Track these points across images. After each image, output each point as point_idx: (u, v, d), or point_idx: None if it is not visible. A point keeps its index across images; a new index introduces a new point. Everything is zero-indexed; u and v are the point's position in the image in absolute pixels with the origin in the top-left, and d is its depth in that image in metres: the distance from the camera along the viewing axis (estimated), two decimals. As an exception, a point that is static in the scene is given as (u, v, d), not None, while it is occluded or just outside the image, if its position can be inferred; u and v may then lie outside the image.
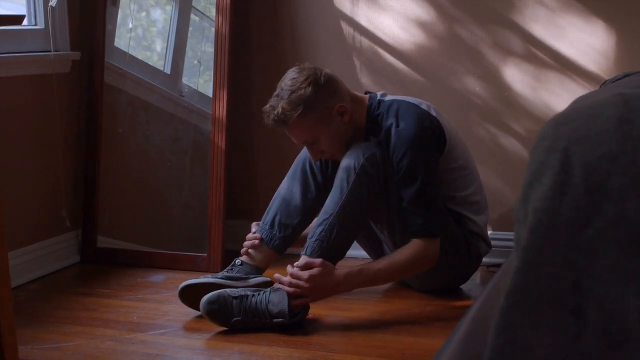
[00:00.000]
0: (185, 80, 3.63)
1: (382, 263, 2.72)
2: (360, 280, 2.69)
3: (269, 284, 2.76)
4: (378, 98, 2.83)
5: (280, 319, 2.57)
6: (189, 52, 3.63)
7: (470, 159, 2.93)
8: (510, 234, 3.19)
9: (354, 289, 2.72)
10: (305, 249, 2.65)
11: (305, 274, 2.59)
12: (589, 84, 3.11)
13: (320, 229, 2.65)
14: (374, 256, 3.05)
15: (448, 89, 3.30)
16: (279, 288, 2.60)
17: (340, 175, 2.70)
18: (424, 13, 3.28)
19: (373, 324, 2.67)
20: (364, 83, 3.37)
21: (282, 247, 2.92)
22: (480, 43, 3.24)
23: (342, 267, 2.68)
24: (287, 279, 2.61)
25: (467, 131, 3.20)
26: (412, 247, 2.69)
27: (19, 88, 3.17)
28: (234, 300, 2.59)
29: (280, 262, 3.02)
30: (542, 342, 1.14)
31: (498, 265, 3.18)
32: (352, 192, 2.65)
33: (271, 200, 2.97)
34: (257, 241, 2.87)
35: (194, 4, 3.58)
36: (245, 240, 2.93)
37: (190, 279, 2.79)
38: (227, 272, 2.83)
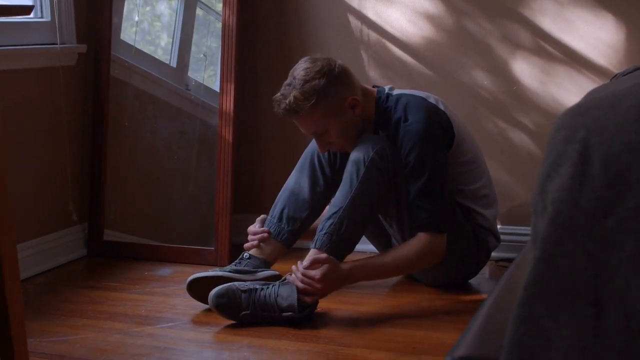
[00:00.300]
0: (190, 74, 3.62)
1: (387, 257, 2.71)
2: (364, 274, 2.69)
3: (277, 277, 2.75)
4: (386, 92, 2.82)
5: (290, 313, 2.56)
6: (193, 47, 3.62)
7: (479, 153, 2.91)
8: (519, 228, 3.19)
9: (358, 282, 2.71)
10: (314, 242, 2.64)
11: (318, 273, 2.57)
12: (598, 77, 3.09)
13: (329, 222, 2.64)
14: (383, 250, 3.03)
15: (456, 83, 3.29)
16: (288, 282, 2.59)
17: (349, 168, 2.69)
18: (432, 6, 3.27)
19: (382, 317, 2.66)
20: (371, 77, 3.36)
21: (290, 240, 2.91)
22: (489, 36, 3.23)
23: (347, 262, 2.67)
24: (299, 276, 2.59)
25: (476, 125, 3.19)
26: (417, 241, 2.68)
27: (25, 81, 3.16)
28: (243, 294, 2.58)
29: (288, 256, 3.01)
30: (562, 334, 1.13)
31: (507, 260, 3.18)
32: (361, 185, 2.64)
33: (279, 194, 2.96)
34: (266, 234, 2.86)
35: (200, -3, 3.57)
36: (247, 234, 2.92)
37: (198, 272, 2.78)
38: (236, 265, 2.82)
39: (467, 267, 2.91)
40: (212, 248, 3.32)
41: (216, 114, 3.38)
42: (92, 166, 3.50)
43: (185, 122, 3.56)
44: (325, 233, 2.63)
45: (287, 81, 2.71)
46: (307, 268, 2.58)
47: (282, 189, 2.96)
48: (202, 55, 3.59)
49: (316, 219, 2.94)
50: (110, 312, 2.76)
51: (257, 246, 2.87)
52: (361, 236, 2.76)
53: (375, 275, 2.74)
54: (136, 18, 3.60)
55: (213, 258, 3.30)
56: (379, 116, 2.78)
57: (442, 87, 3.26)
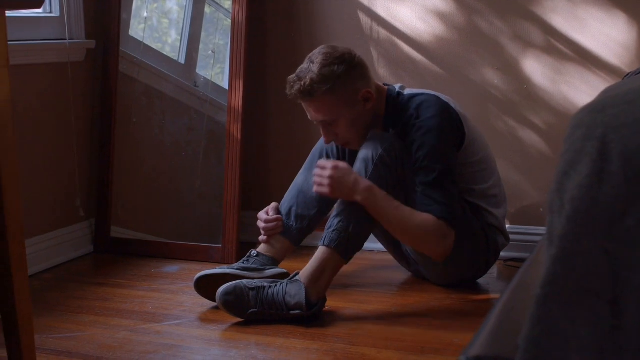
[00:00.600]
0: (198, 71, 3.61)
1: (401, 208, 2.62)
2: (372, 200, 2.60)
3: (285, 275, 2.74)
4: (397, 90, 2.80)
5: (298, 311, 2.55)
6: (200, 44, 3.61)
7: (490, 153, 2.90)
8: (528, 228, 3.18)
9: (364, 204, 2.61)
10: (322, 239, 2.62)
11: (330, 162, 2.62)
12: (609, 76, 3.07)
13: (338, 219, 2.62)
14: (391, 248, 3.03)
15: (467, 81, 3.27)
16: (297, 280, 2.58)
17: (358, 165, 2.67)
18: (443, 4, 3.25)
19: (391, 316, 2.64)
20: (381, 74, 3.34)
21: (298, 238, 2.90)
22: (500, 35, 3.21)
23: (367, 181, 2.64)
24: (316, 171, 2.66)
25: (486, 124, 3.18)
26: (433, 220, 2.62)
27: (34, 76, 3.15)
28: (251, 292, 2.56)
29: (296, 254, 3.00)
30: (579, 333, 1.11)
31: (516, 260, 3.16)
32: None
33: (287, 192, 2.95)
34: (280, 222, 2.85)
35: (208, -6, 3.56)
36: (256, 229, 2.90)
37: (206, 269, 2.77)
38: (243, 263, 2.81)
39: (477, 266, 2.89)
40: (220, 245, 3.31)
41: (224, 111, 3.37)
42: (99, 162, 3.49)
43: (193, 119, 3.55)
44: (333, 230, 2.61)
45: (304, 65, 2.70)
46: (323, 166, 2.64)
47: (291, 186, 2.95)
48: (210, 52, 3.58)
49: (324, 216, 2.93)
50: (117, 309, 2.75)
51: (273, 235, 2.86)
52: (370, 233, 2.74)
53: (378, 211, 2.62)
54: (145, 14, 3.59)
55: (220, 255, 3.29)
56: (389, 113, 2.76)
57: (452, 85, 3.24)
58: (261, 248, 2.87)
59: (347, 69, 2.67)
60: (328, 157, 2.89)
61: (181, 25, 3.61)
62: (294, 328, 2.52)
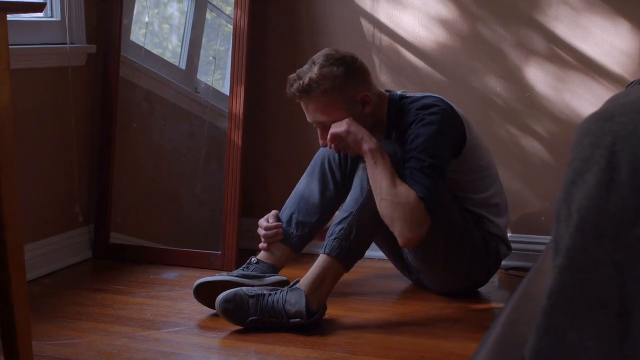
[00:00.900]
0: (199, 76, 3.59)
1: (393, 175, 2.57)
2: (380, 154, 2.59)
3: (285, 283, 2.72)
4: (400, 94, 2.79)
5: (298, 319, 2.53)
6: (202, 50, 3.60)
7: (492, 160, 2.88)
8: (530, 237, 3.16)
9: (368, 155, 2.60)
10: (323, 247, 2.61)
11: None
12: (612, 85, 3.06)
13: (339, 227, 2.60)
14: (392, 256, 3.01)
15: (469, 89, 3.25)
16: (297, 287, 2.56)
17: (360, 174, 2.66)
18: (446, 11, 3.24)
19: (391, 325, 2.63)
20: (383, 81, 3.33)
21: (298, 245, 2.88)
22: (503, 42, 3.20)
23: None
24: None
25: (488, 131, 3.16)
26: (410, 191, 2.54)
27: (34, 80, 3.14)
28: (250, 299, 2.55)
29: (296, 261, 2.99)
30: (586, 345, 1.10)
31: (517, 269, 3.15)
32: (372, 191, 2.60)
33: (288, 198, 2.93)
34: (280, 229, 2.83)
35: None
36: (256, 236, 2.88)
37: (205, 276, 2.76)
38: (243, 270, 2.79)
39: (478, 274, 2.87)
40: (219, 252, 3.29)
41: (224, 117, 3.36)
42: (99, 167, 3.47)
43: (194, 125, 3.54)
44: (335, 238, 2.59)
45: (306, 65, 2.71)
46: None
47: (292, 193, 2.93)
48: (211, 58, 3.57)
49: (325, 224, 2.91)
50: (116, 315, 2.73)
51: (273, 243, 2.84)
52: (371, 242, 2.73)
53: (375, 168, 2.58)
54: (146, 19, 3.58)
55: (220, 262, 3.27)
56: (392, 116, 2.75)
57: (454, 92, 3.23)
58: (261, 255, 2.85)
59: (346, 71, 2.66)
60: (330, 164, 2.87)
61: (182, 30, 3.59)
62: (293, 336, 2.50)
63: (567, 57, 3.12)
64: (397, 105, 2.75)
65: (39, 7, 2.04)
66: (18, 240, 1.99)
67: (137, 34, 3.56)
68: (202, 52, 3.58)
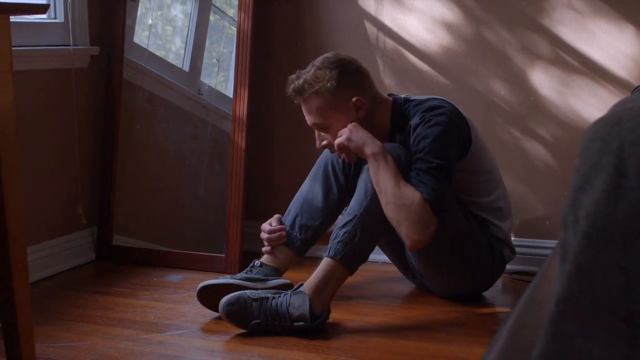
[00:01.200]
0: (202, 78, 3.59)
1: (397, 177, 2.55)
2: (384, 157, 2.57)
3: (288, 286, 2.71)
4: (404, 97, 2.78)
5: (301, 323, 2.52)
6: (205, 52, 3.59)
7: (496, 164, 2.88)
8: (533, 241, 3.15)
9: (371, 159, 2.60)
10: (327, 250, 2.60)
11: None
12: (617, 89, 3.05)
13: (343, 230, 2.60)
14: (396, 260, 3.00)
15: (473, 92, 3.25)
16: (300, 291, 2.55)
17: (364, 176, 2.65)
18: (450, 14, 3.23)
19: (395, 329, 2.62)
20: (387, 84, 3.32)
21: (302, 249, 2.87)
22: (507, 46, 3.19)
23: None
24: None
25: (492, 135, 3.15)
26: (416, 193, 2.52)
27: (37, 82, 3.13)
28: (254, 302, 2.54)
29: (300, 264, 2.98)
30: (594, 352, 1.09)
31: (521, 273, 3.14)
32: (376, 194, 2.59)
33: (292, 201, 2.92)
34: (284, 232, 2.83)
35: (213, 1, 3.53)
36: (263, 233, 2.87)
37: (209, 279, 2.75)
38: (247, 273, 2.79)
39: (482, 278, 2.87)
40: (223, 255, 3.28)
41: (228, 119, 3.35)
42: (102, 169, 3.47)
43: (197, 127, 3.53)
44: (339, 241, 2.58)
45: (307, 67, 2.74)
46: None
47: (295, 196, 2.93)
48: (214, 60, 3.56)
49: (329, 227, 2.91)
50: (119, 318, 2.72)
51: (277, 245, 2.83)
52: (375, 245, 2.72)
53: (378, 170, 2.57)
54: (150, 21, 3.57)
55: (223, 265, 3.27)
56: (396, 120, 2.74)
57: (458, 96, 3.22)
58: (264, 258, 2.85)
59: (340, 74, 2.67)
60: (334, 167, 2.86)
61: (185, 32, 3.59)
62: (297, 340, 2.50)
63: (571, 61, 3.11)
64: (401, 109, 2.74)
65: (43, 9, 2.03)
66: (21, 243, 1.98)
67: (141, 36, 3.55)
68: (205, 54, 3.57)
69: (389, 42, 3.33)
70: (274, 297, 2.55)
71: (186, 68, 3.59)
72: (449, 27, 3.25)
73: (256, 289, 2.67)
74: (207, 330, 2.62)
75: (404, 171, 2.59)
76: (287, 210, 2.91)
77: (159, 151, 3.54)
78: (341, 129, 2.68)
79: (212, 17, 3.58)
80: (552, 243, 3.14)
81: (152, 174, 3.57)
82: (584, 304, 1.11)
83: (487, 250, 2.80)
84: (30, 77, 3.07)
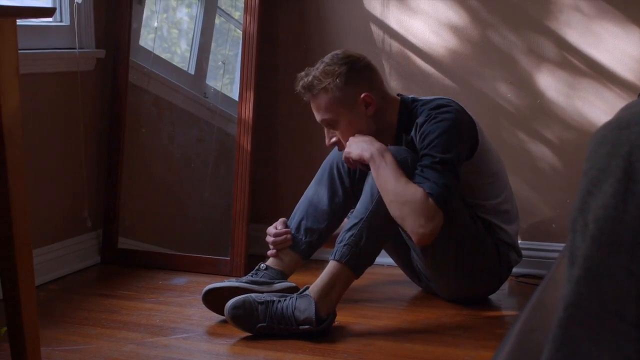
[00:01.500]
0: (208, 81, 3.58)
1: (399, 176, 2.54)
2: (383, 159, 2.57)
3: (294, 289, 2.71)
4: (411, 97, 2.78)
5: (307, 326, 2.51)
6: (210, 54, 3.59)
7: (502, 167, 2.87)
8: (540, 244, 3.15)
9: (372, 161, 2.59)
10: (333, 253, 2.59)
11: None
12: (624, 92, 3.05)
13: (349, 233, 2.59)
14: (401, 263, 3.00)
15: (479, 95, 3.24)
16: (306, 294, 2.54)
17: (370, 180, 2.64)
18: (457, 17, 3.23)
19: (401, 332, 2.61)
20: (393, 87, 3.32)
21: (307, 252, 2.86)
22: (513, 49, 3.18)
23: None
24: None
25: (498, 138, 3.14)
26: (418, 189, 2.51)
27: (43, 85, 3.13)
28: (260, 306, 2.53)
29: (305, 267, 2.97)
30: (603, 356, 1.08)
31: (527, 276, 3.13)
32: (382, 197, 2.58)
33: (297, 205, 2.92)
34: (289, 235, 2.82)
35: (218, 4, 3.53)
36: (268, 236, 2.87)
37: (214, 282, 2.74)
38: (252, 276, 2.78)
39: (489, 282, 2.86)
40: (228, 258, 3.28)
41: (234, 122, 3.35)
42: (107, 172, 3.47)
43: (203, 130, 3.53)
44: (345, 245, 2.58)
45: (316, 64, 2.75)
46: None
47: (301, 199, 2.92)
48: (220, 63, 3.56)
49: (334, 230, 2.90)
50: (124, 321, 2.72)
51: (283, 248, 2.83)
52: (381, 248, 2.71)
53: (380, 171, 2.56)
54: (155, 24, 3.57)
55: (228, 268, 3.26)
56: (403, 118, 2.73)
57: (464, 99, 3.20)
58: (270, 261, 2.84)
59: (349, 70, 2.67)
60: (339, 170, 2.86)
61: (191, 35, 3.59)
62: (303, 343, 2.49)
63: (578, 64, 3.11)
64: (409, 108, 2.73)
65: (49, 12, 2.02)
66: (27, 245, 1.98)
67: (146, 39, 3.55)
68: (210, 56, 3.57)
69: (395, 45, 3.33)
70: (279, 301, 2.55)
71: (192, 71, 3.59)
72: (455, 29, 3.24)
73: (262, 292, 2.66)
74: (212, 333, 2.61)
75: (410, 174, 2.57)
76: (292, 214, 2.90)
77: (164, 154, 3.54)
78: (350, 125, 2.69)
79: (217, 20, 3.58)
80: (559, 246, 3.13)
81: (158, 177, 3.57)
82: (593, 309, 1.10)
83: (494, 254, 2.79)
84: (36, 80, 3.07)
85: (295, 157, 3.56)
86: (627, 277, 1.09)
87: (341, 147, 2.76)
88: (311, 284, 2.58)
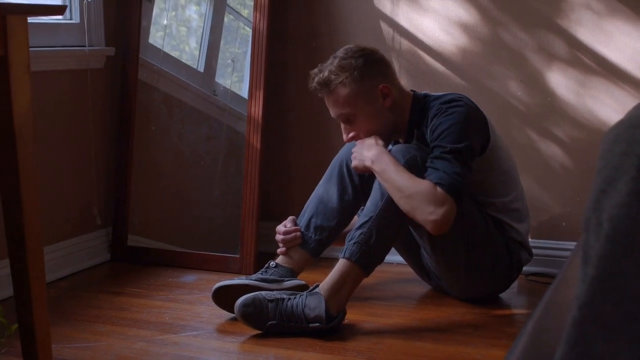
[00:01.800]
0: (217, 79, 3.58)
1: (404, 173, 2.54)
2: (383, 161, 2.58)
3: (304, 287, 2.71)
4: (424, 93, 2.77)
5: (317, 324, 2.51)
6: (219, 52, 3.59)
7: (513, 164, 2.86)
8: (550, 242, 3.14)
9: (374, 167, 2.61)
10: (343, 251, 2.59)
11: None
12: (635, 90, 3.03)
13: (359, 232, 2.58)
14: (411, 261, 2.99)
15: (490, 93, 3.23)
16: (316, 292, 2.54)
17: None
18: (467, 15, 3.22)
19: (411, 331, 2.61)
20: (403, 85, 3.30)
21: (317, 250, 2.86)
22: (524, 47, 3.17)
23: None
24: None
25: (509, 136, 3.13)
26: (424, 182, 2.51)
27: (53, 83, 3.14)
28: (270, 304, 2.53)
29: (315, 265, 2.97)
30: (618, 356, 1.08)
31: (537, 274, 3.12)
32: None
33: (307, 202, 2.92)
34: (298, 233, 2.82)
35: (227, 2, 3.53)
36: (278, 235, 2.87)
37: (224, 280, 2.74)
38: (262, 274, 2.78)
39: (499, 280, 2.85)
40: (238, 256, 3.28)
41: (243, 120, 3.34)
42: (117, 170, 3.47)
43: (212, 128, 3.53)
44: (355, 243, 2.57)
45: (328, 60, 2.73)
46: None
47: (310, 197, 2.92)
48: (229, 61, 3.56)
49: (344, 228, 2.90)
50: (134, 318, 2.72)
51: (292, 246, 2.83)
52: (391, 247, 2.71)
53: (384, 174, 2.57)
54: (165, 22, 3.57)
55: (238, 266, 3.26)
56: (415, 113, 2.72)
57: (475, 97, 3.18)
58: (280, 259, 2.84)
59: (365, 63, 2.67)
60: (349, 168, 2.85)
61: (200, 33, 3.59)
62: (313, 341, 2.49)
63: (589, 62, 3.10)
64: (421, 102, 2.73)
65: (60, 10, 2.02)
66: (38, 244, 1.98)
67: (155, 37, 3.55)
68: (219, 54, 3.57)
69: (405, 43, 3.32)
70: (289, 298, 2.55)
71: (201, 69, 3.59)
72: (465, 27, 3.23)
73: (271, 289, 2.66)
74: (222, 331, 2.61)
75: (420, 171, 2.57)
76: (302, 211, 2.90)
77: (174, 152, 3.54)
78: (368, 118, 2.69)
79: (226, 18, 3.58)
80: (569, 244, 3.12)
81: (168, 175, 3.57)
82: (607, 308, 1.09)
83: (504, 253, 2.78)
84: (45, 78, 3.07)
85: (304, 155, 3.55)
86: (639, 277, 1.08)
87: (359, 140, 2.75)
88: (321, 281, 2.58)
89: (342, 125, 2.75)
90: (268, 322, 2.53)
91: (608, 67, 3.07)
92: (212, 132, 3.52)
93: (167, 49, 3.56)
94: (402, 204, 2.54)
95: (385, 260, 2.68)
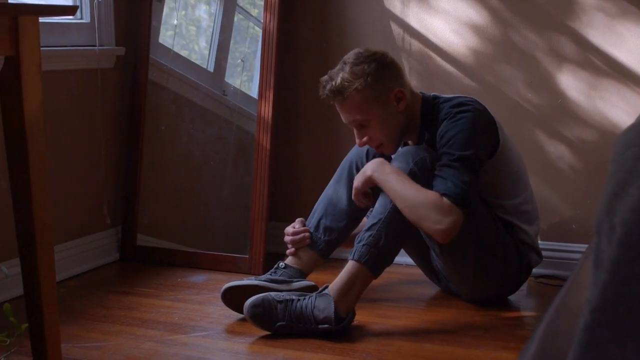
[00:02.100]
0: (227, 79, 3.58)
1: (408, 183, 2.55)
2: (384, 171, 2.60)
3: (313, 288, 2.71)
4: (433, 95, 2.77)
5: (326, 325, 2.51)
6: (229, 52, 3.59)
7: (523, 167, 2.85)
8: (560, 245, 3.13)
9: (375, 177, 2.63)
10: (352, 253, 2.58)
11: None
12: (646, 93, 3.03)
13: (368, 233, 2.58)
14: (420, 263, 2.99)
15: (500, 95, 3.22)
16: (326, 293, 2.54)
17: (389, 179, 2.63)
18: (477, 16, 3.21)
19: (420, 332, 2.60)
20: (413, 86, 3.29)
21: (326, 251, 2.86)
22: (534, 49, 3.16)
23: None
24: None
25: (519, 138, 3.12)
26: (430, 192, 2.52)
27: (63, 82, 3.14)
28: (279, 305, 2.53)
29: (324, 266, 2.97)
30: (629, 362, 1.07)
31: (546, 277, 3.11)
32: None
33: (316, 203, 2.91)
34: (307, 234, 2.82)
35: (237, 2, 3.53)
36: (286, 236, 2.87)
37: (233, 280, 2.75)
38: (271, 274, 2.78)
39: (508, 283, 2.84)
40: (247, 256, 3.28)
41: (253, 120, 3.34)
42: (127, 170, 3.47)
43: (222, 128, 3.53)
44: (364, 244, 2.57)
45: (337, 66, 2.70)
46: None
47: (320, 198, 2.92)
48: (239, 61, 3.56)
49: (353, 230, 2.90)
50: (143, 318, 2.72)
51: (301, 247, 2.83)
52: (400, 248, 2.70)
53: (386, 184, 2.58)
54: (175, 22, 3.57)
55: (247, 266, 3.26)
56: (426, 116, 2.72)
57: (484, 98, 3.18)
58: (289, 260, 2.84)
59: (378, 67, 2.65)
60: (358, 169, 2.85)
61: (210, 33, 3.59)
62: (322, 342, 2.48)
63: (600, 64, 3.09)
64: (431, 105, 2.72)
65: (71, 10, 2.03)
66: (48, 243, 1.98)
67: (165, 36, 3.56)
68: (229, 54, 3.57)
69: (415, 44, 3.32)
70: (298, 300, 2.55)
71: (211, 68, 3.59)
72: (475, 29, 3.23)
73: (281, 290, 2.66)
74: (231, 331, 2.62)
75: (429, 173, 2.57)
76: (311, 212, 2.90)
77: (183, 152, 3.54)
78: (383, 122, 2.68)
79: (235, 18, 3.57)
80: (579, 247, 3.12)
81: (177, 175, 3.57)
82: (620, 313, 1.09)
83: (514, 255, 2.77)
84: (55, 78, 3.08)
85: (314, 155, 3.55)
86: (654, 281, 1.08)
87: (373, 145, 2.74)
88: (330, 283, 2.58)
89: (355, 130, 2.74)
90: (277, 323, 2.52)
91: (619, 69, 3.06)
92: (221, 132, 3.52)
93: (177, 49, 3.56)
94: (408, 213, 2.55)
95: (394, 262, 2.67)
